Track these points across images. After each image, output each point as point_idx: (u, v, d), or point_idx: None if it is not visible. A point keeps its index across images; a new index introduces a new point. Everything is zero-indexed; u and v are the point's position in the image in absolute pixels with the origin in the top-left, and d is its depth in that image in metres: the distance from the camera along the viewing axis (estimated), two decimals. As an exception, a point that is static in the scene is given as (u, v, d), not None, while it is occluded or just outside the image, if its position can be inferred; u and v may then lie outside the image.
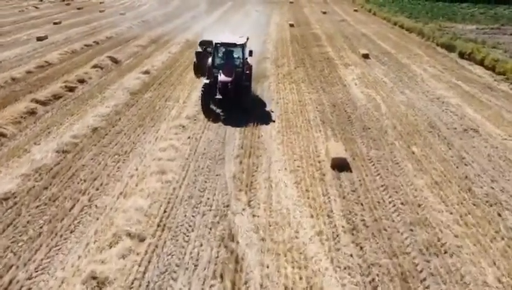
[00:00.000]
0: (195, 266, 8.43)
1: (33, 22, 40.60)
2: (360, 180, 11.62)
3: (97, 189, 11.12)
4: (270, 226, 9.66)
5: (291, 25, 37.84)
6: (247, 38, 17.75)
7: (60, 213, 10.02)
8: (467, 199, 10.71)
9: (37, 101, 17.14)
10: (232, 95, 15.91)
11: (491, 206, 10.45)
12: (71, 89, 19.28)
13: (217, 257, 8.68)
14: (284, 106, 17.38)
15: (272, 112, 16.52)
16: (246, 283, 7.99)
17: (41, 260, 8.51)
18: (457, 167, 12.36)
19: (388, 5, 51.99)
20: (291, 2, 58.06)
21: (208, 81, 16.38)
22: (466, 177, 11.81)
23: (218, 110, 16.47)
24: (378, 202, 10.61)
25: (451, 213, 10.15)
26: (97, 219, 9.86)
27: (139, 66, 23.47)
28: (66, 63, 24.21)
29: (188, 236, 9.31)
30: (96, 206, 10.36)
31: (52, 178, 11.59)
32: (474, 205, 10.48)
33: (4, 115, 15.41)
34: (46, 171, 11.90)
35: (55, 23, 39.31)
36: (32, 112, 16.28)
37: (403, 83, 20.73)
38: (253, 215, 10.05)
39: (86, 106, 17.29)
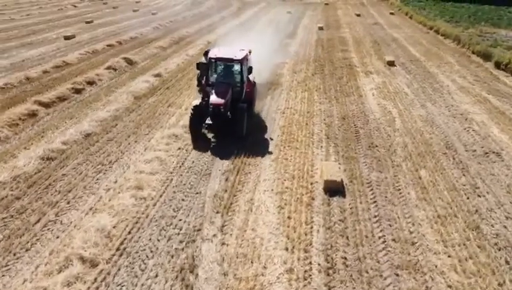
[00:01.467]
0: (143, 301, 7.63)
1: (67, 21, 41.52)
2: (352, 208, 10.40)
3: (68, 202, 10.58)
4: (237, 258, 8.70)
5: (320, 28, 36.44)
6: (250, 52, 15.65)
7: (22, 228, 9.54)
8: (471, 239, 9.26)
9: (40, 103, 17.02)
10: (224, 119, 13.70)
11: (499, 250, 8.97)
12: (78, 91, 19.11)
13: (170, 291, 7.84)
14: (289, 117, 16.28)
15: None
16: (192, 327, 7.10)
17: (-15, 281, 8.01)
18: (467, 198, 10.85)
19: (428, 8, 49.19)
20: (326, 4, 56.40)
21: (198, 102, 14.36)
22: (476, 211, 10.30)
23: (210, 136, 14.43)
24: (367, 236, 9.38)
25: (449, 256, 8.77)
26: (57, 237, 9.29)
27: (153, 69, 23.09)
28: (84, 64, 24.23)
29: (145, 264, 8.53)
30: (61, 222, 9.81)
31: (28, 188, 11.18)
32: (479, 247, 9.03)
33: (3, 118, 15.28)
34: (24, 180, 11.52)
35: (87, 22, 40.04)
36: (32, 114, 16.15)
37: (426, 94, 19.04)
38: (222, 244, 9.14)
39: (88, 110, 16.97)
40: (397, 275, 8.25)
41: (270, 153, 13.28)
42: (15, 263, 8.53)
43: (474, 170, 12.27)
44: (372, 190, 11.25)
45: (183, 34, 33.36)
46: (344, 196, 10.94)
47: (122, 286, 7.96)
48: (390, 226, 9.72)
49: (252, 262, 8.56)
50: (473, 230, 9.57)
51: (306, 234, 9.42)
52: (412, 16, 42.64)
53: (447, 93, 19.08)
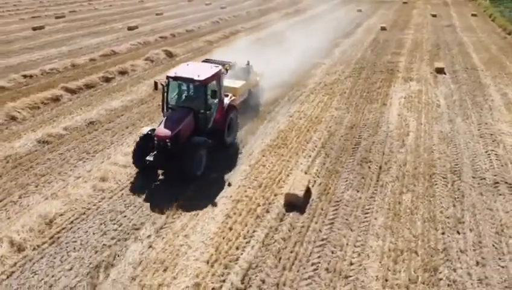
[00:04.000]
0: (45, 292, 7.76)
1: (140, 12, 43.94)
2: (302, 227, 9.57)
3: (37, 186, 11.17)
4: (154, 263, 8.46)
5: (383, 28, 34.21)
6: (227, 69, 13.61)
7: (-16, 205, 10.28)
8: (418, 283, 7.98)
9: (67, 89, 18.22)
10: (169, 156, 11.01)
11: (446, 302, 7.60)
12: (107, 80, 20.12)
13: (74, 286, 7.87)
14: (294, 122, 15.48)
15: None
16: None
17: None
18: (442, 233, 9.36)
19: (523, 10, 43.48)
20: (405, 3, 52.71)
21: (148, 130, 11.60)
22: (444, 250, 8.85)
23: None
24: (300, 261, 8.55)
25: (380, 299, 7.64)
26: (8, 218, 9.84)
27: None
28: (129, 54, 25.48)
29: (68, 256, 8.67)
30: (20, 204, 10.38)
31: (12, 168, 12.02)
32: (422, 296, 7.74)
33: (26, 100, 16.60)
34: (13, 160, 12.42)
35: (156, 14, 42.05)
36: (55, 99, 17.35)
37: (462, 108, 16.85)
38: (150, 247, 8.94)
39: (107, 98, 17.80)
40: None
41: (251, 158, 12.72)
42: (-40, 237, 9.19)
43: (470, 201, 10.56)
44: (336, 209, 10.23)
45: (236, 30, 33.46)
46: (303, 212, 10.10)
47: (36, 274, 8.17)
48: (332, 253, 8.75)
49: (165, 270, 8.26)
50: (426, 272, 8.24)
51: (237, 249, 8.86)
52: (495, 19, 38.08)
53: (487, 109, 16.69)
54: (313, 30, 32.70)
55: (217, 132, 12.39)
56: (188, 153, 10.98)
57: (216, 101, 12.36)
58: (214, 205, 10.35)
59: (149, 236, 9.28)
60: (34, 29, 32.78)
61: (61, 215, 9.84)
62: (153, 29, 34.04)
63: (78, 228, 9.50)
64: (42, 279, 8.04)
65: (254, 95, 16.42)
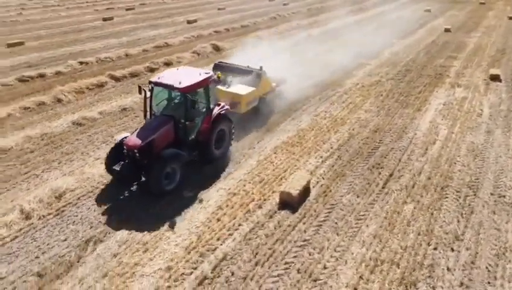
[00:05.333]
0: (37, 257, 8.57)
1: (204, 7, 45.24)
2: (289, 226, 9.56)
3: (59, 163, 12.25)
4: (137, 244, 8.97)
5: (447, 30, 32.14)
6: (220, 74, 12.88)
7: (12, 175, 11.50)
8: (389, 295, 7.66)
9: (112, 77, 19.54)
10: (136, 168, 10.47)
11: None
12: (151, 70, 21.19)
13: (62, 255, 8.61)
14: (317, 121, 15.28)
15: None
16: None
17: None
18: (434, 249, 8.83)
19: None
20: (482, 3, 48.84)
21: (124, 136, 11.00)
22: (429, 267, 8.37)
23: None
24: (275, 259, 8.57)
25: (343, 305, 7.46)
26: (27, 189, 10.94)
27: (232, 56, 23.93)
28: (180, 47, 26.52)
29: (67, 228, 9.46)
30: (40, 177, 11.47)
31: (44, 145, 13.28)
32: (390, 306, 7.43)
33: (74, 84, 18.08)
34: (47, 138, 13.68)
35: (218, 9, 43.14)
36: (100, 85, 18.70)
37: (506, 120, 15.46)
38: (138, 229, 9.46)
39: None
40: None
41: (261, 153, 12.83)
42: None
43: (478, 219, 9.81)
44: (329, 213, 10.05)
45: (291, 26, 33.30)
46: (295, 211, 10.06)
47: (34, 241, 9.04)
48: (310, 255, 8.65)
49: (144, 251, 8.74)
50: (402, 286, 7.87)
51: (218, 239, 9.10)
52: None
53: (535, 122, 15.20)
54: (370, 29, 31.73)
55: (202, 144, 11.56)
56: (156, 166, 10.16)
57: (204, 110, 11.65)
58: (210, 195, 10.65)
59: (139, 219, 9.77)
60: (104, 20, 35.26)
61: (71, 191, 10.72)
62: (210, 23, 35.01)
63: (83, 204, 10.30)
64: (38, 245, 8.89)
65: (267, 103, 15.38)
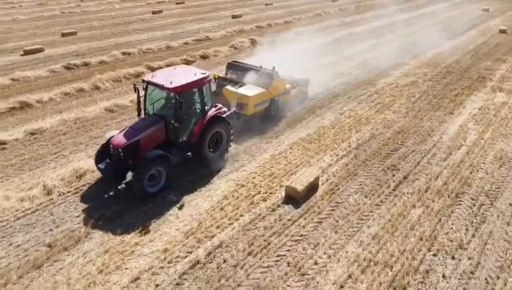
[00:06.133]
0: (51, 229, 9.30)
1: (251, 2, 45.51)
2: (289, 221, 9.65)
3: (86, 146, 13.10)
4: (141, 225, 9.46)
5: (502, 31, 30.33)
6: (216, 75, 12.41)
7: (44, 153, 12.45)
8: (375, 296, 7.57)
9: (149, 67, 20.38)
10: (120, 168, 10.31)
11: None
12: (188, 62, 21.85)
13: (73, 230, 9.28)
14: (341, 120, 15.12)
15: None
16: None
17: None
18: (434, 255, 8.56)
19: None
20: (549, 3, 45.39)
21: (115, 134, 10.83)
22: (424, 272, 8.15)
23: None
24: (268, 251, 8.70)
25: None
26: (54, 167, 11.82)
27: (266, 52, 24.07)
28: (220, 41, 27.06)
29: (80, 207, 10.11)
30: (67, 158, 12.32)
31: (76, 128, 14.22)
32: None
33: (112, 74, 19.10)
34: (80, 122, 14.62)
35: (266, 4, 43.37)
36: (137, 75, 19.57)
37: (546, 128, 14.51)
38: (145, 212, 9.96)
39: (179, 79, 19.44)
40: (249, 294, 7.63)
41: (276, 146, 12.95)
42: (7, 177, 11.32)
43: (489, 229, 9.37)
44: (333, 211, 10.02)
45: (333, 23, 32.79)
46: (298, 207, 10.13)
47: (51, 215, 9.78)
48: (304, 250, 8.71)
49: (146, 233, 9.17)
50: (390, 289, 7.73)
51: (218, 228, 9.38)
52: None
53: None
54: (417, 29, 30.71)
55: (195, 146, 11.25)
56: (139, 167, 9.95)
57: (198, 111, 11.30)
58: (218, 185, 10.95)
59: (148, 202, 10.19)
60: (154, 13, 36.70)
61: (92, 172, 11.39)
62: (254, 18, 35.32)
63: (100, 185, 10.94)
64: (54, 219, 9.63)
65: (280, 106, 14.95)
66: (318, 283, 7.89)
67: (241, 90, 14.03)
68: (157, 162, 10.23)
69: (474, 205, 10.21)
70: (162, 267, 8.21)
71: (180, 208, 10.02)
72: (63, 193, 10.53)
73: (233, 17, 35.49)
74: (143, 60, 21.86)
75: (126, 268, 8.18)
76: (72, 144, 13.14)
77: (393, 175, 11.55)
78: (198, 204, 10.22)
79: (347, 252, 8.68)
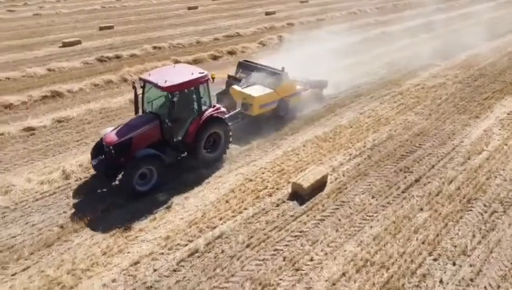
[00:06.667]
0: (65, 211, 9.85)
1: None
2: (291, 216, 9.74)
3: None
4: (147, 213, 9.82)
5: (547, 33, 28.75)
6: (214, 75, 11.54)
7: (68, 141, 13.15)
8: (366, 296, 7.54)
9: (176, 61, 20.86)
10: (111, 166, 10.38)
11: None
12: (215, 58, 22.30)
13: (85, 214, 9.79)
14: (359, 119, 14.94)
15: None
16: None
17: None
18: (434, 260, 8.39)
19: None
20: None
21: (110, 130, 10.89)
22: (420, 276, 8.01)
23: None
24: (266, 244, 8.84)
25: (316, 297, 7.53)
26: (75, 154, 12.46)
27: (295, 49, 24.04)
28: (250, 37, 27.31)
29: (97, 193, 10.64)
30: (88, 145, 12.86)
31: (100, 118, 14.91)
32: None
33: (140, 67, 19.75)
34: (105, 112, 15.29)
35: (301, 2, 43.18)
36: (163, 69, 20.14)
37: None
38: (152, 201, 10.33)
39: (205, 74, 19.83)
40: None
41: (293, 140, 13.01)
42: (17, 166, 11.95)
43: (497, 236, 9.06)
44: (337, 209, 10.00)
45: (367, 22, 32.11)
46: (302, 203, 10.19)
47: (67, 198, 10.36)
48: (302, 246, 8.78)
49: (152, 220, 9.54)
50: (384, 288, 7.68)
51: (221, 219, 9.61)
52: None
53: None
54: (455, 29, 29.64)
55: (190, 147, 11.20)
56: (129, 166, 10.01)
57: (194, 111, 11.24)
58: (227, 178, 11.17)
59: (157, 191, 10.53)
60: (189, 8, 37.45)
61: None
62: (287, 15, 35.27)
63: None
64: (68, 203, 10.20)
65: (289, 107, 14.61)
66: (311, 279, 7.94)
67: (247, 91, 13.74)
68: (146, 161, 10.20)
69: (485, 212, 9.88)
70: (162, 254, 8.53)
71: (185, 199, 10.30)
72: (80, 179, 11.11)
73: (267, 14, 35.60)
74: (172, 55, 22.44)
75: (128, 252, 8.57)
76: (94, 132, 13.76)
77: (405, 177, 11.35)
78: (205, 195, 10.49)
79: (345, 250, 8.66)
